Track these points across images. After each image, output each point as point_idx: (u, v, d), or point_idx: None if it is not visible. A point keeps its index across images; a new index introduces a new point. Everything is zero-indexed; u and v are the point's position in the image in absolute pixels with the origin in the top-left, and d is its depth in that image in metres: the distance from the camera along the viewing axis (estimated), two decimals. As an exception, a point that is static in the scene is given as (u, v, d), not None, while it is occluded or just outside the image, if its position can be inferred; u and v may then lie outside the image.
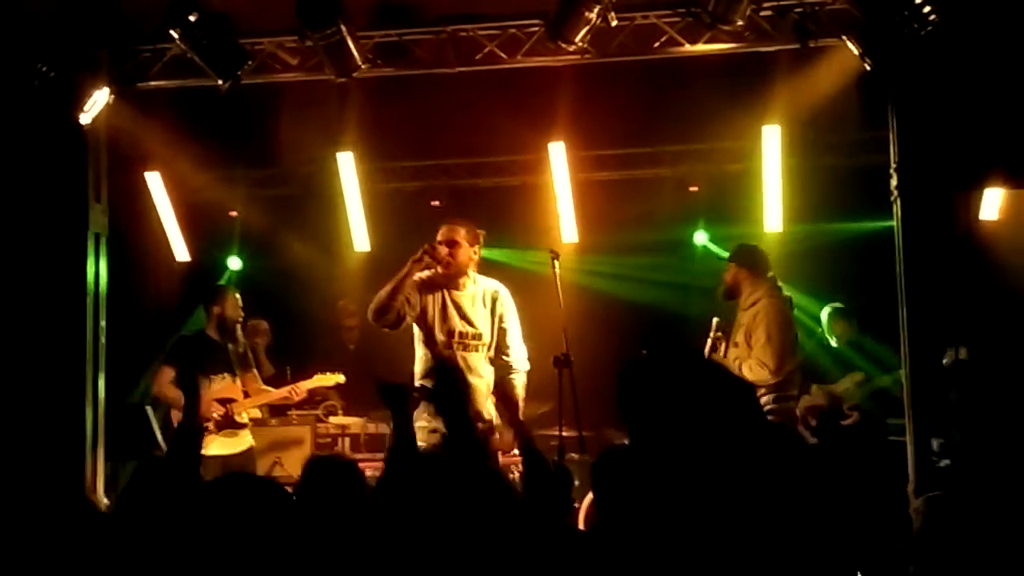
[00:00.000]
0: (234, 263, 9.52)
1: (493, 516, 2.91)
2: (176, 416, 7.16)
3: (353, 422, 8.20)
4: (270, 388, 7.50)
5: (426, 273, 6.21)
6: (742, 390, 2.09)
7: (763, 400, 6.34)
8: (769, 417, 6.05)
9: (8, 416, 6.79)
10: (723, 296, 6.73)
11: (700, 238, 8.97)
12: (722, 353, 6.63)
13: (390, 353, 6.87)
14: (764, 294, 6.47)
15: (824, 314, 7.82)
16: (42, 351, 7.03)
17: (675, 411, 1.97)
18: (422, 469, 3.45)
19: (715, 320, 6.77)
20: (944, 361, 6.75)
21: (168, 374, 7.20)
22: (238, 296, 7.44)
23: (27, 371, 6.94)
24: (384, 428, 8.06)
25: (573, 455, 6.80)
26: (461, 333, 6.20)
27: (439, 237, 6.20)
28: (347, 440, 8.21)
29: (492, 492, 3.01)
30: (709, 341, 6.70)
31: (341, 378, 7.55)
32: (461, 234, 6.20)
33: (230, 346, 7.34)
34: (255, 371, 7.53)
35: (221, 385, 7.24)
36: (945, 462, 6.15)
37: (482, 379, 6.19)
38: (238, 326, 7.39)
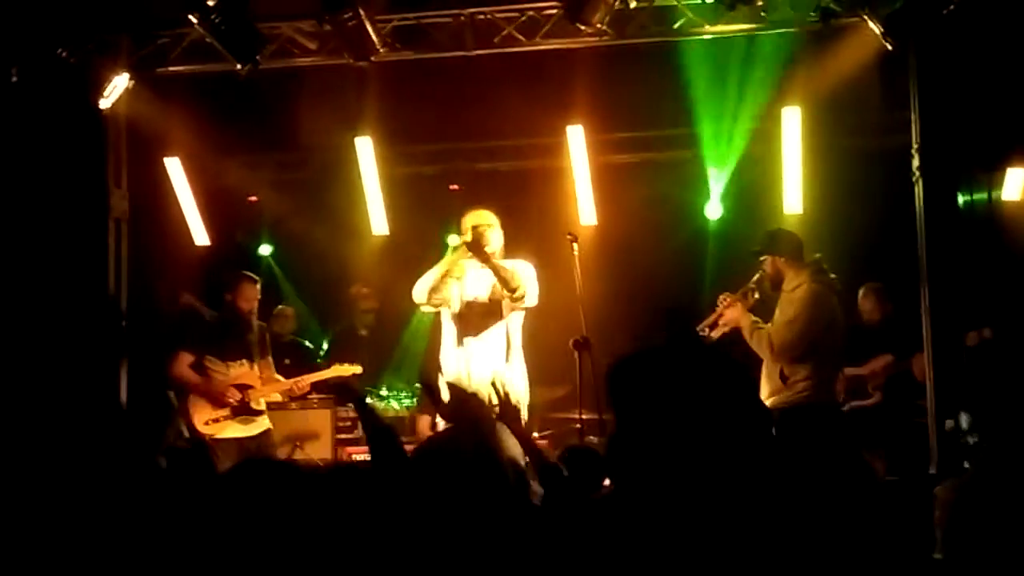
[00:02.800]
0: (264, 249, 9.62)
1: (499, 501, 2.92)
2: (194, 400, 7.20)
3: (372, 406, 8.22)
4: (280, 377, 7.52)
5: (464, 258, 6.31)
6: (736, 378, 2.06)
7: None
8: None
9: (32, 400, 6.84)
10: (770, 288, 6.43)
11: (712, 211, 8.85)
12: (750, 303, 6.44)
13: (397, 339, 6.91)
14: (807, 279, 6.18)
15: (859, 293, 7.76)
16: (64, 336, 7.07)
17: (667, 403, 1.97)
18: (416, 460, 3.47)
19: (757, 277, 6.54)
20: (968, 343, 6.68)
21: (187, 358, 7.21)
22: (256, 285, 7.43)
23: (50, 356, 6.99)
24: (405, 413, 8.12)
25: (592, 438, 6.80)
26: (478, 302, 6.33)
27: (477, 222, 6.25)
28: (367, 424, 8.24)
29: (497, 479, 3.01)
30: (741, 292, 6.48)
31: (358, 369, 7.56)
32: (494, 217, 6.31)
33: (247, 333, 7.36)
34: (269, 359, 7.54)
35: (239, 371, 7.26)
36: (973, 438, 6.08)
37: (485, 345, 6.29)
38: (252, 314, 7.39)
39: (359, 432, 8.10)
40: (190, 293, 8.46)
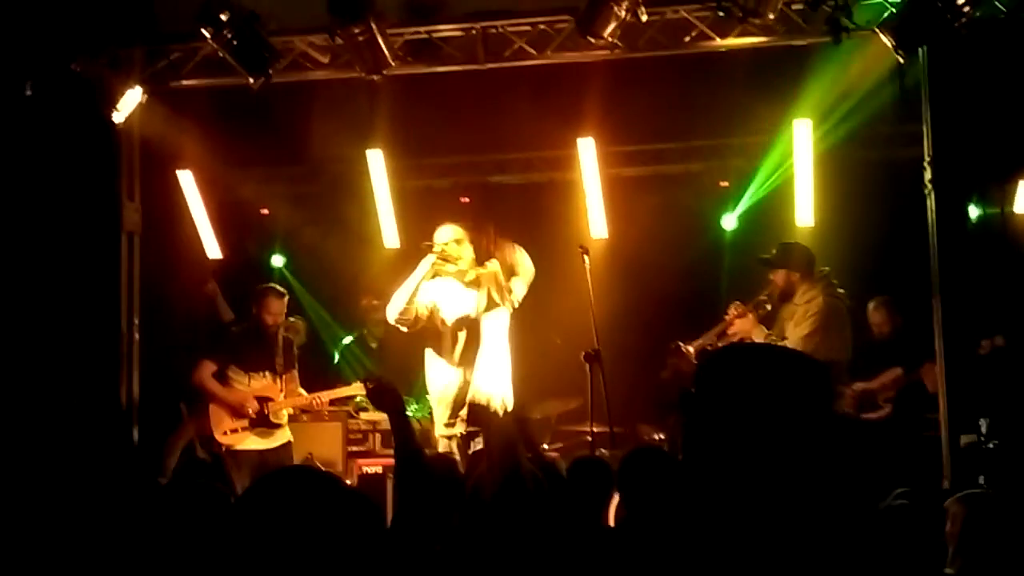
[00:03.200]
0: (277, 260, 9.62)
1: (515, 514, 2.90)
2: (214, 409, 7.25)
3: (383, 418, 8.22)
4: (304, 392, 7.56)
5: (436, 276, 6.40)
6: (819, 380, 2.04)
7: None
8: None
9: (44, 413, 6.86)
10: (779, 300, 6.46)
11: (729, 223, 8.88)
12: (761, 315, 6.47)
13: (411, 351, 6.93)
14: (820, 292, 6.21)
15: (869, 306, 7.75)
16: (77, 349, 7.10)
17: (752, 403, 1.95)
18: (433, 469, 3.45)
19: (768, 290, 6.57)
20: (980, 351, 6.64)
21: (209, 367, 7.28)
22: (281, 299, 7.49)
23: (62, 369, 7.01)
24: (417, 426, 8.11)
25: (604, 451, 6.79)
26: (457, 318, 6.39)
27: (443, 238, 6.35)
28: (378, 436, 8.24)
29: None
30: (752, 303, 6.49)
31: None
32: (463, 233, 6.36)
33: (272, 346, 7.42)
34: (295, 372, 7.59)
35: (261, 384, 7.31)
36: (993, 443, 6.06)
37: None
38: (279, 327, 7.45)
39: (370, 444, 8.12)
40: (215, 282, 8.52)
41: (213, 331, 7.90)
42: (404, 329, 6.64)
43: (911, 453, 6.88)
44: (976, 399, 6.33)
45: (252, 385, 7.27)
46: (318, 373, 8.29)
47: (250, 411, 7.18)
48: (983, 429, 6.23)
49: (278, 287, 7.61)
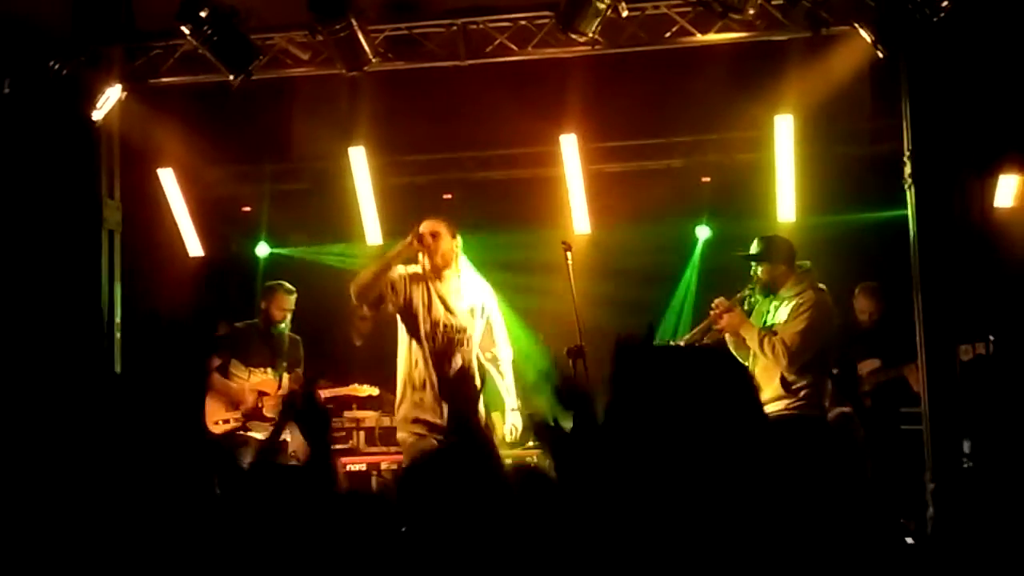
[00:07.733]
0: (262, 249, 9.46)
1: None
2: (211, 400, 7.33)
3: (367, 416, 8.21)
4: None
5: (413, 268, 6.27)
6: (740, 379, 2.04)
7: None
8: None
9: (24, 414, 6.82)
10: (761, 294, 6.38)
11: (702, 233, 8.90)
12: (746, 310, 6.45)
13: (393, 351, 6.90)
14: (808, 286, 6.17)
15: (855, 292, 7.74)
16: (57, 347, 7.06)
17: (669, 395, 1.94)
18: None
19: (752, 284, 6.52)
20: (963, 357, 6.58)
21: (213, 361, 7.40)
22: (290, 296, 7.55)
23: (42, 368, 6.97)
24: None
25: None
26: (445, 324, 6.25)
27: (422, 229, 6.24)
28: (362, 434, 8.23)
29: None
30: (736, 298, 6.44)
31: (375, 391, 7.65)
32: (443, 227, 6.27)
33: (277, 343, 7.51)
34: (299, 372, 7.64)
35: (260, 378, 7.45)
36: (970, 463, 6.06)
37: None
38: (283, 324, 7.53)
39: (354, 442, 8.10)
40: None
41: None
42: (365, 309, 6.53)
43: (890, 448, 6.90)
44: (959, 402, 6.32)
45: (251, 380, 7.42)
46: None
47: (247, 402, 7.31)
48: (965, 449, 6.22)
49: (287, 284, 7.68)
